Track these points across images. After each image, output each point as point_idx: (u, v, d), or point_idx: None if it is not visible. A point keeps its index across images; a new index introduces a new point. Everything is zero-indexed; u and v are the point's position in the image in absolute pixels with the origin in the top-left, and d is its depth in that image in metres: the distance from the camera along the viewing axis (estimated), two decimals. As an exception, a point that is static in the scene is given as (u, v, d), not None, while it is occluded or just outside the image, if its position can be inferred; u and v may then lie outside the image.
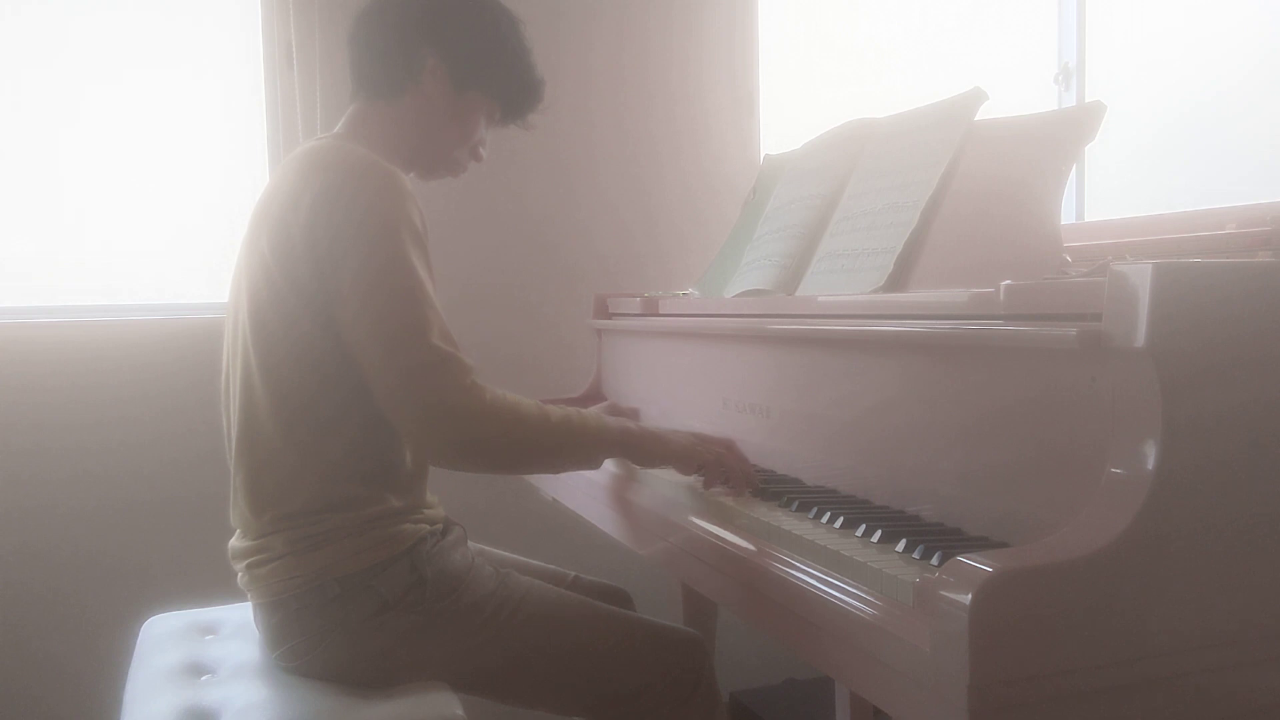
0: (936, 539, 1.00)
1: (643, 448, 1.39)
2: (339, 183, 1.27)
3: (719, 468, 1.36)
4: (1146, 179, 2.70)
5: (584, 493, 1.67)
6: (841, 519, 1.12)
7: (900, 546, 1.00)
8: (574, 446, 1.34)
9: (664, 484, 1.44)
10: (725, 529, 1.22)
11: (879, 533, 1.04)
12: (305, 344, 1.29)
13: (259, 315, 1.32)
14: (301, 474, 1.31)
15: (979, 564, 0.77)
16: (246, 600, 1.41)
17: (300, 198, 1.28)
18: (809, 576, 1.01)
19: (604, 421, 1.37)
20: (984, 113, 1.31)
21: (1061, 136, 1.18)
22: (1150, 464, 0.82)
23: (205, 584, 1.66)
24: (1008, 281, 1.01)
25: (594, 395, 2.07)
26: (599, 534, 1.65)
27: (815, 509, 1.18)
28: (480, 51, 1.47)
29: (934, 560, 0.95)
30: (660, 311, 1.86)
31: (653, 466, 1.42)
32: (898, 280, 1.26)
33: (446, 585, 1.35)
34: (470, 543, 1.47)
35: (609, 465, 1.56)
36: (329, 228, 1.25)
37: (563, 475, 1.73)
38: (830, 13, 2.78)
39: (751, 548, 1.13)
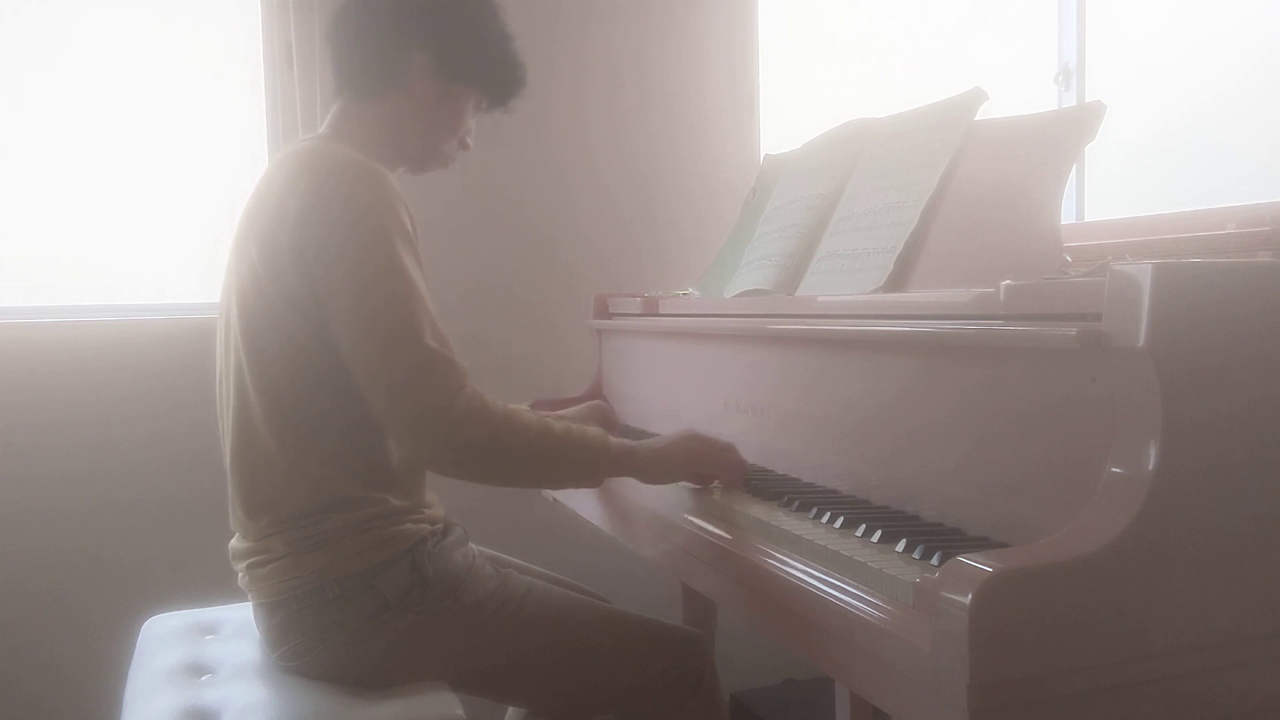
0: (936, 539, 1.00)
1: (645, 468, 1.36)
2: (326, 186, 1.26)
3: (715, 479, 1.38)
4: (1146, 179, 2.70)
5: (584, 493, 1.67)
6: (841, 519, 1.12)
7: (900, 546, 1.00)
8: (574, 463, 1.31)
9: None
10: (725, 529, 1.22)
11: (879, 533, 1.04)
12: (296, 348, 1.29)
13: (249, 320, 1.32)
14: (297, 477, 1.31)
15: (979, 564, 0.77)
16: (247, 600, 1.40)
17: (287, 202, 1.27)
18: (809, 576, 1.01)
19: (606, 439, 1.33)
20: (984, 113, 1.31)
21: (1061, 136, 1.18)
22: (1150, 464, 0.82)
23: (205, 584, 1.66)
24: (1008, 281, 1.01)
25: (594, 396, 2.06)
26: (598, 534, 1.65)
27: (815, 509, 1.18)
28: (465, 43, 1.45)
29: (934, 560, 0.95)
30: (660, 311, 1.86)
31: (657, 484, 1.39)
32: (898, 280, 1.26)
33: (447, 585, 1.35)
34: (470, 544, 1.47)
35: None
36: (317, 233, 1.25)
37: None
38: (830, 13, 2.78)
39: (752, 548, 1.13)
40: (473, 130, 1.54)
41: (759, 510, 1.23)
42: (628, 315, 1.99)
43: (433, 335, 1.24)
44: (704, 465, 1.37)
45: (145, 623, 1.59)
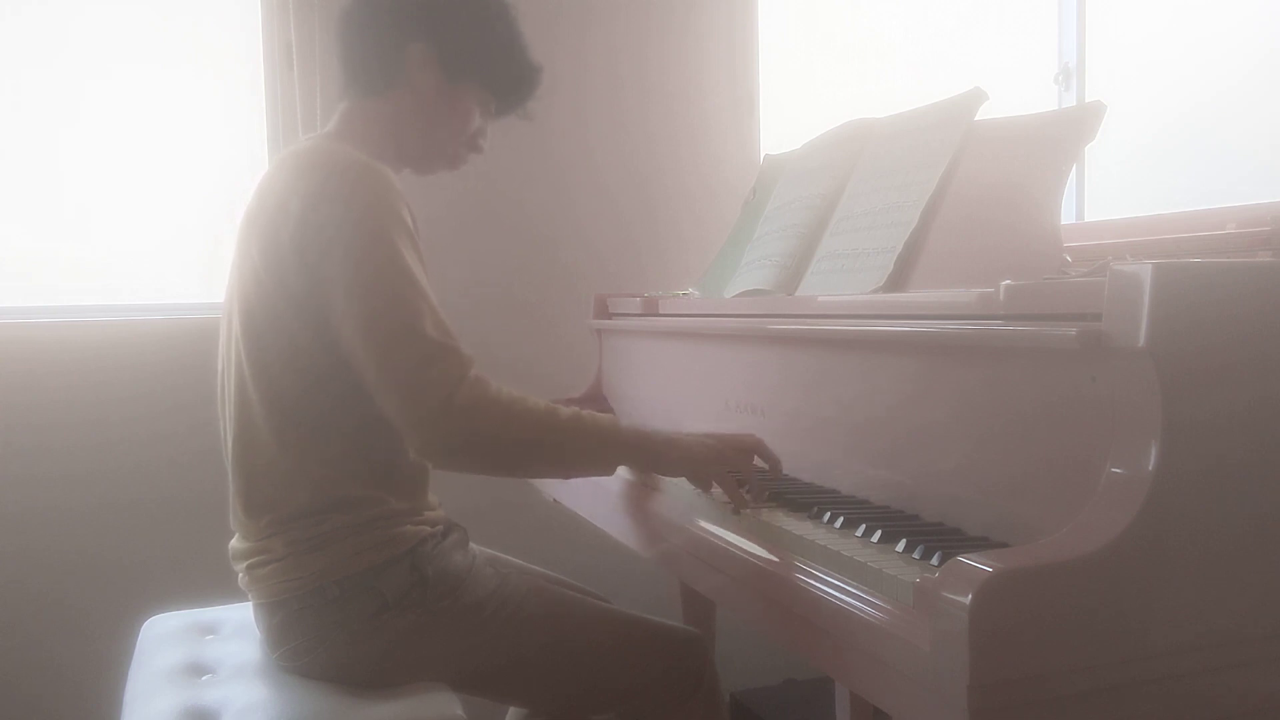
0: (936, 539, 1.00)
1: (660, 455, 1.32)
2: (327, 186, 1.26)
3: (733, 481, 1.28)
4: (1146, 179, 2.70)
5: (584, 493, 1.67)
6: (841, 519, 1.12)
7: (900, 546, 1.00)
8: (584, 448, 1.29)
9: (664, 484, 1.44)
10: (725, 529, 1.22)
11: (879, 533, 1.04)
12: (297, 347, 1.28)
13: (250, 319, 1.32)
14: (297, 477, 1.31)
15: (979, 564, 0.77)
16: (247, 600, 1.40)
17: (288, 201, 1.27)
18: (809, 577, 1.01)
19: (617, 424, 1.33)
20: (984, 113, 1.31)
21: (1061, 136, 1.18)
22: (1150, 464, 0.82)
23: (205, 584, 1.66)
24: (1008, 281, 1.01)
25: (594, 396, 2.07)
26: (598, 534, 1.65)
27: (815, 509, 1.18)
28: (471, 41, 1.44)
29: (934, 560, 0.95)
30: (660, 311, 1.86)
31: (669, 475, 1.37)
32: (898, 280, 1.26)
33: (447, 585, 1.35)
34: (471, 545, 1.47)
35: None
36: (318, 231, 1.24)
37: (563, 475, 1.72)
38: (830, 13, 2.78)
39: (751, 548, 1.13)
40: (485, 133, 1.52)
41: (759, 510, 1.23)
42: (628, 315, 1.99)
43: (434, 327, 1.23)
44: (724, 449, 1.31)
45: (145, 623, 1.59)
